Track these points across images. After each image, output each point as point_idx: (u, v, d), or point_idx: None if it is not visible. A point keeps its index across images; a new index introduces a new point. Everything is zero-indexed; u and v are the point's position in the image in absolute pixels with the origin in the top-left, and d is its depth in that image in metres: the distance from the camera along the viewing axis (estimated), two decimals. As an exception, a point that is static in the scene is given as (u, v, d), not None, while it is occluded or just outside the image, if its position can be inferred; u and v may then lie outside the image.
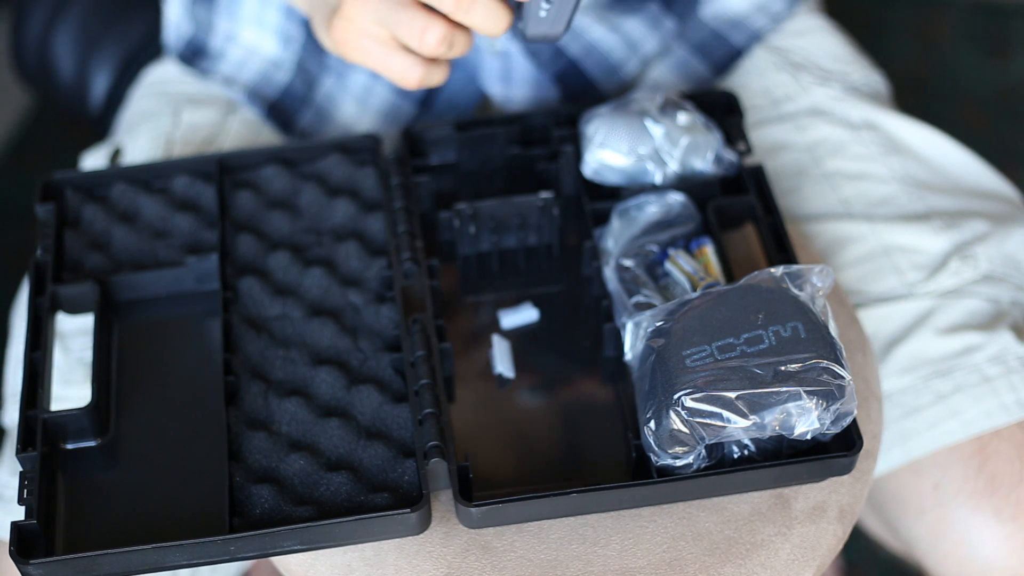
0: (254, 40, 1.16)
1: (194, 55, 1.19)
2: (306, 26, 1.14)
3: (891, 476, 1.05)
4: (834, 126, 1.13)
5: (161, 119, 1.16)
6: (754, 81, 1.16)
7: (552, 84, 1.12)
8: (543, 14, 0.90)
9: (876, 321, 1.05)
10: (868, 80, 1.18)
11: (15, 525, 0.84)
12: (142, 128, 1.16)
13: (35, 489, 0.86)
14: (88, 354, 1.03)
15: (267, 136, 1.15)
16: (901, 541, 1.10)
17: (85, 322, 1.02)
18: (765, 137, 1.13)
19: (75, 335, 1.04)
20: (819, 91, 1.15)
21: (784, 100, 1.15)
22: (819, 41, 1.19)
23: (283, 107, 1.15)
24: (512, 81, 1.12)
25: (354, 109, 1.14)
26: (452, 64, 1.12)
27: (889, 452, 1.04)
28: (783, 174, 1.12)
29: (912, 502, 1.04)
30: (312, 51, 1.14)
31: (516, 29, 0.92)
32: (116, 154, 1.15)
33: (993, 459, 1.01)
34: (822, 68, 1.17)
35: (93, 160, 1.16)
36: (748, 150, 1.01)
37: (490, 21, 0.90)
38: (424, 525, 0.86)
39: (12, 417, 1.07)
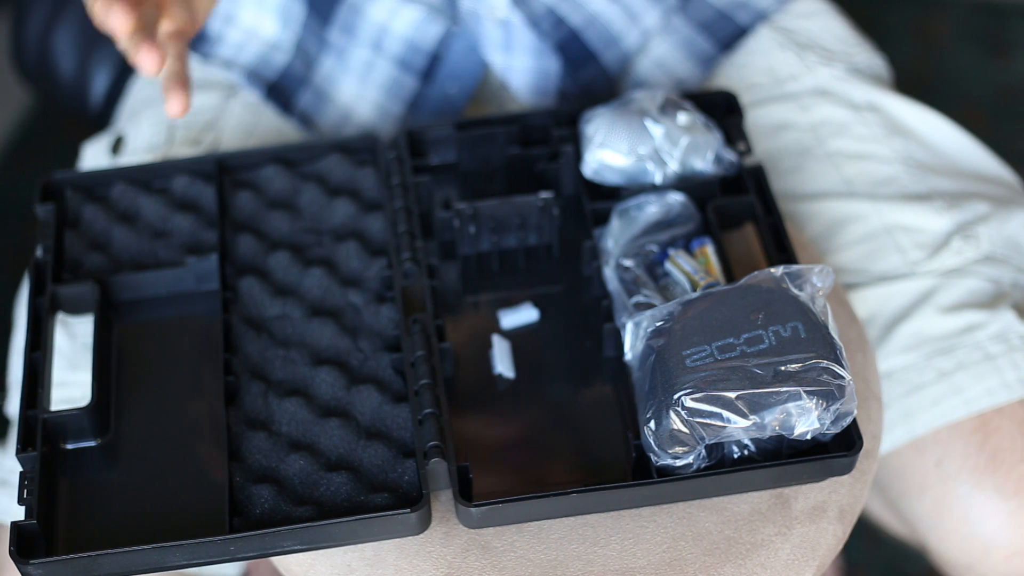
0: (253, 21, 1.16)
1: (194, 39, 1.19)
2: (306, 4, 1.14)
3: (893, 454, 1.05)
4: (837, 106, 1.14)
5: (162, 105, 1.16)
6: (758, 60, 1.16)
7: (553, 54, 1.12)
8: None
9: (878, 300, 1.06)
10: (871, 63, 1.18)
11: (15, 525, 0.84)
12: (144, 115, 1.16)
13: (35, 489, 0.86)
14: None
15: (268, 118, 1.15)
16: (903, 521, 1.10)
17: None
18: (768, 116, 1.14)
19: (79, 321, 1.04)
20: (823, 71, 1.15)
21: (788, 79, 1.15)
22: (824, 23, 1.19)
23: (282, 88, 1.15)
24: (513, 50, 1.12)
25: (355, 86, 1.14)
26: (454, 34, 1.12)
27: (892, 430, 1.04)
28: (786, 153, 1.12)
29: (915, 479, 1.04)
30: (312, 30, 1.14)
31: None
32: (118, 142, 1.15)
33: (995, 436, 1.02)
34: (826, 49, 1.17)
35: (94, 150, 1.16)
36: (748, 150, 1.01)
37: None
38: (424, 525, 0.86)
39: (16, 406, 1.07)
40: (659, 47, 1.15)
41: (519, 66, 1.12)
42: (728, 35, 1.16)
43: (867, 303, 1.06)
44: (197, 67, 1.18)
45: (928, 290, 1.06)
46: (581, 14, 1.12)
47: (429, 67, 1.13)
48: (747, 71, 1.15)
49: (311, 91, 1.14)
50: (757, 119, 1.13)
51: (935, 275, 1.06)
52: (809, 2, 1.20)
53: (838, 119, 1.13)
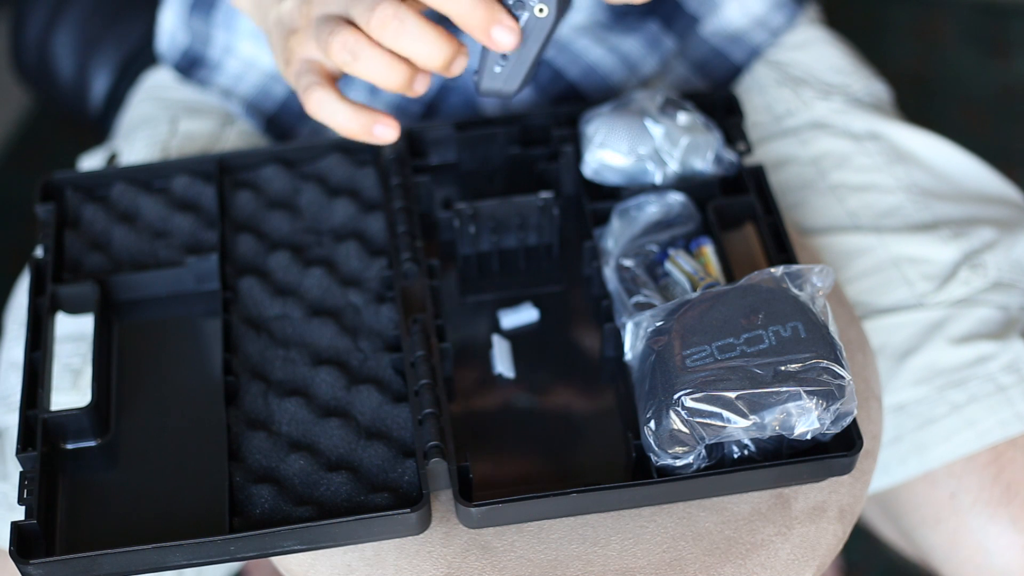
0: (252, 53, 1.16)
1: (191, 65, 1.18)
2: None
3: (907, 486, 1.05)
4: (837, 138, 1.13)
5: (158, 126, 1.16)
6: (755, 97, 1.16)
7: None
8: (498, 70, 0.89)
9: (888, 332, 1.05)
10: (870, 90, 1.17)
11: (15, 525, 0.84)
12: (139, 134, 1.16)
13: (35, 489, 0.86)
14: (75, 360, 1.03)
15: None
16: (918, 550, 1.10)
17: (72, 328, 1.02)
18: (769, 152, 1.13)
19: (62, 341, 1.03)
20: (821, 105, 1.15)
21: (786, 115, 1.15)
22: (819, 53, 1.18)
23: (281, 121, 1.15)
24: (510, 105, 1.12)
25: None
26: (449, 88, 1.12)
27: (905, 463, 1.04)
28: (788, 188, 1.12)
29: (928, 512, 1.04)
30: None
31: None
32: (112, 159, 1.15)
33: (1009, 468, 1.01)
34: (823, 81, 1.16)
35: (90, 164, 1.16)
36: (748, 150, 1.01)
37: (423, 50, 0.87)
38: (424, 525, 0.86)
39: (2, 420, 1.07)
40: None
41: None
42: (723, 74, 1.16)
43: (876, 335, 1.05)
44: (194, 93, 1.18)
45: (938, 321, 1.05)
46: (579, 66, 1.12)
47: (425, 115, 1.13)
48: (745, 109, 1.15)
49: (310, 125, 1.14)
50: (757, 156, 1.12)
51: (944, 306, 1.05)
52: (803, 31, 1.19)
53: (839, 151, 1.13)
